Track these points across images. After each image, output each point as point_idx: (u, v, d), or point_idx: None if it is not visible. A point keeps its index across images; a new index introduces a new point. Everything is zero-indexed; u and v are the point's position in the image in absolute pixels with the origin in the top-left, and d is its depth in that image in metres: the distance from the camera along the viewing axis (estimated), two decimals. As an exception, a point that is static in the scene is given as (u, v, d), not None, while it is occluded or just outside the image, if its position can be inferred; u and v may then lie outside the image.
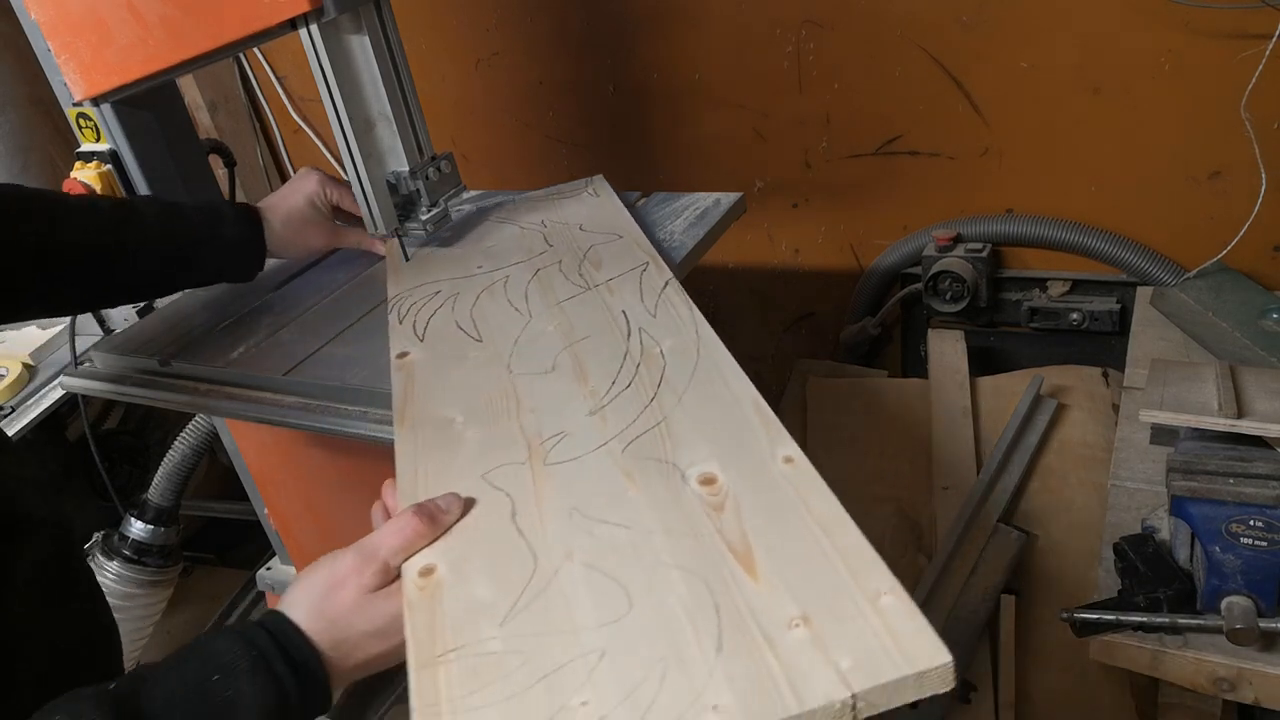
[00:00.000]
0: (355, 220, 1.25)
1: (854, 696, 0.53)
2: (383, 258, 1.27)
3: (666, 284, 1.05)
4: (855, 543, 0.63)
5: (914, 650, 0.54)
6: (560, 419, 0.84)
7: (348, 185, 1.21)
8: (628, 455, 0.78)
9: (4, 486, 0.80)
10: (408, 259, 1.24)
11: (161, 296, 1.25)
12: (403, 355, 1.00)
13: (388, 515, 0.76)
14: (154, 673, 0.63)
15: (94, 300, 1.16)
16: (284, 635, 0.66)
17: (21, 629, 0.75)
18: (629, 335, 0.96)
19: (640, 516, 0.71)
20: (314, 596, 0.68)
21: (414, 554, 0.69)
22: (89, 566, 0.90)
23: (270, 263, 1.37)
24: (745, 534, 0.66)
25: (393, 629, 0.67)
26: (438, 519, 0.70)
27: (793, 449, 0.74)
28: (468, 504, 0.73)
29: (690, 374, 0.87)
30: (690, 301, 1.01)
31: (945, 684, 0.54)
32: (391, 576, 0.69)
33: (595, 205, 1.32)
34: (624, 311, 1.00)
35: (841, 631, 0.57)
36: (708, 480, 0.73)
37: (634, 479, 0.75)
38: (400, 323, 1.07)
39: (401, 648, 0.65)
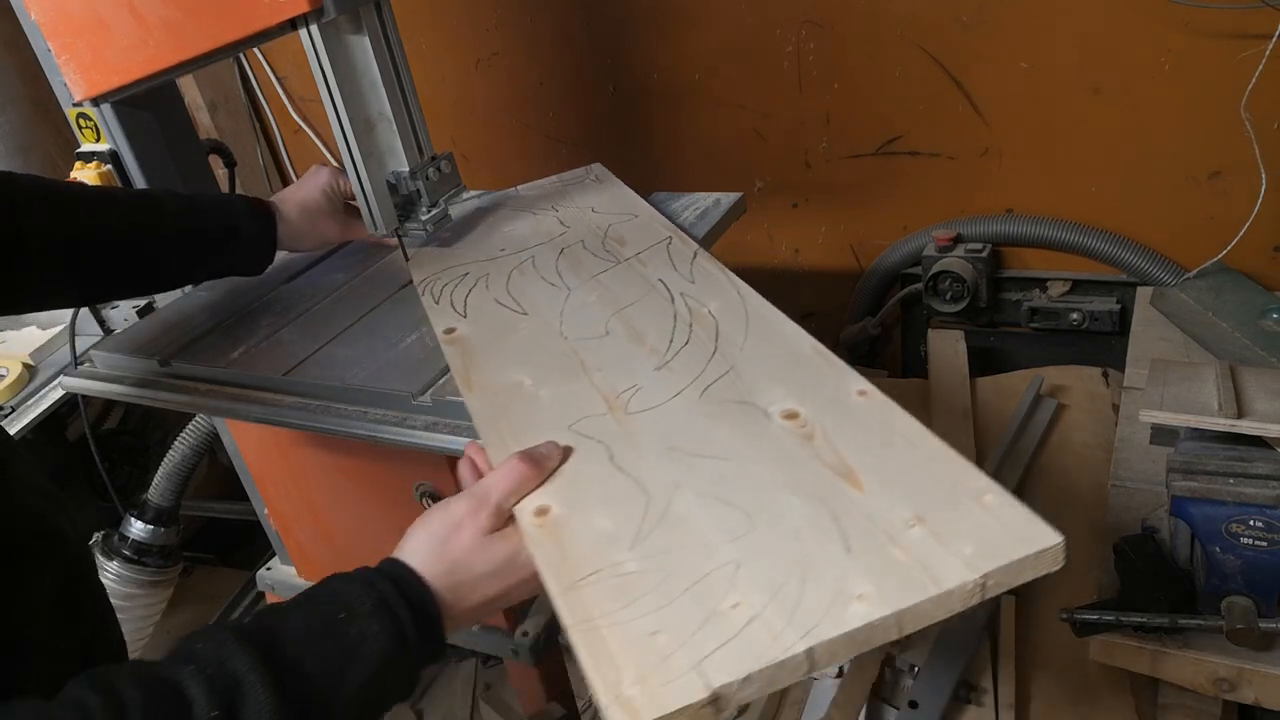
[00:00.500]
0: None
1: (984, 576, 0.57)
2: (393, 249, 1.27)
3: (696, 254, 1.06)
4: (944, 452, 0.68)
5: (1028, 533, 0.59)
6: (629, 375, 0.86)
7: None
8: (706, 400, 0.80)
9: (32, 501, 0.80)
10: (408, 260, 1.24)
11: (173, 289, 1.27)
12: (450, 331, 1.01)
13: (476, 472, 0.78)
14: (282, 611, 0.66)
15: (110, 290, 1.16)
16: (402, 580, 0.68)
17: (37, 641, 0.75)
18: (673, 300, 0.97)
19: (736, 449, 0.73)
20: (434, 541, 0.70)
21: (524, 497, 0.72)
22: (102, 583, 0.90)
23: (271, 262, 1.37)
24: (841, 456, 0.70)
25: (508, 569, 0.70)
26: (542, 464, 0.73)
27: (864, 383, 0.77)
28: (566, 451, 0.75)
29: (744, 328, 0.89)
30: (724, 267, 1.02)
31: (1057, 562, 0.60)
32: (504, 519, 0.71)
33: (601, 190, 1.34)
34: (661, 280, 1.02)
35: (956, 525, 0.61)
36: (791, 415, 0.75)
37: (719, 419, 0.77)
38: (437, 303, 1.08)
39: (516, 588, 0.70)
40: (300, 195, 1.23)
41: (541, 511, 0.71)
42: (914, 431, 0.71)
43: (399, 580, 0.68)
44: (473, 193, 1.53)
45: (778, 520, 0.65)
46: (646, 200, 1.37)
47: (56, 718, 0.56)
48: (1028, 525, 0.60)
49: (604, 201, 1.28)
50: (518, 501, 0.72)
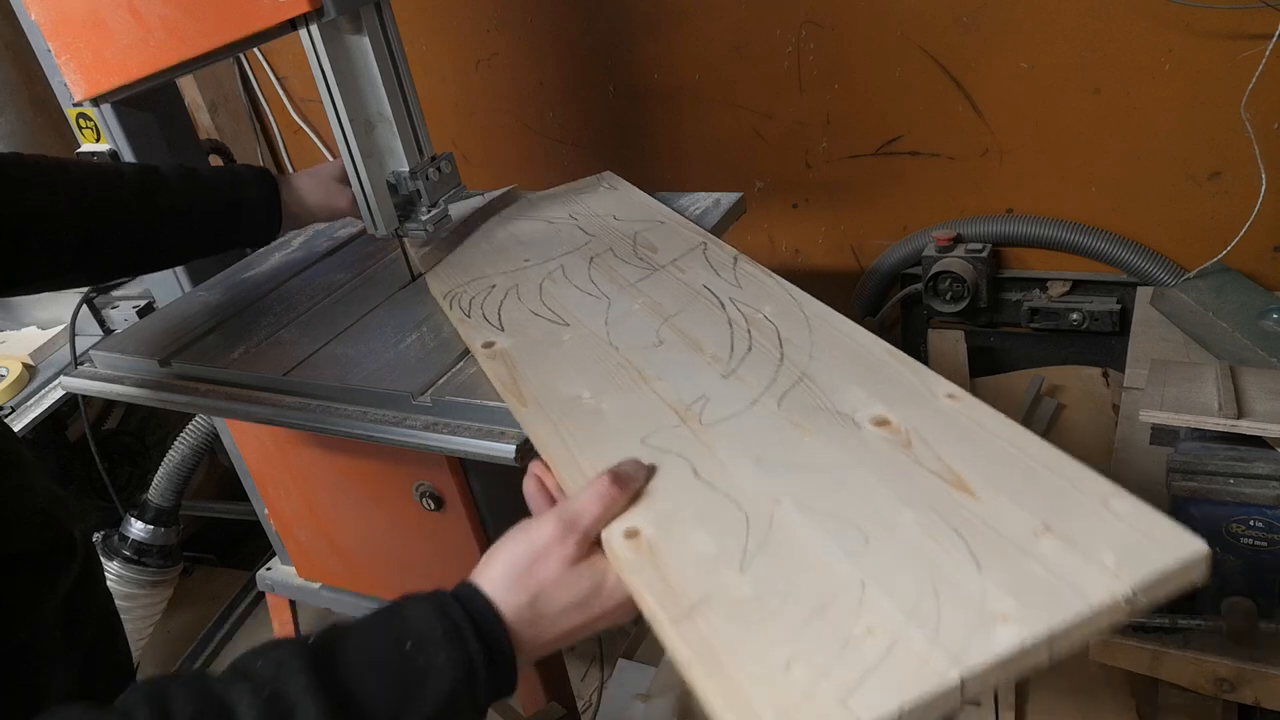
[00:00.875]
0: None
1: (1133, 588, 0.52)
2: (394, 250, 1.27)
3: (736, 258, 1.00)
4: (1054, 455, 0.63)
5: (1170, 541, 0.54)
6: (695, 384, 0.79)
7: None
8: (786, 408, 0.74)
9: (47, 506, 0.80)
10: (410, 264, 1.24)
11: (183, 263, 1.28)
12: (489, 345, 0.94)
13: (545, 493, 0.74)
14: (349, 631, 0.62)
15: (120, 267, 1.17)
16: (477, 610, 0.64)
17: (48, 646, 0.75)
18: (723, 306, 0.90)
19: (832, 459, 0.67)
20: (516, 570, 0.65)
21: (612, 521, 0.68)
22: (107, 590, 0.90)
23: (269, 262, 1.37)
24: (945, 461, 0.64)
25: (594, 599, 0.65)
26: (629, 484, 0.68)
27: (951, 386, 0.72)
28: (650, 468, 0.70)
29: (808, 333, 0.83)
30: (770, 271, 0.95)
31: (1203, 574, 0.54)
32: (591, 545, 0.67)
33: (619, 198, 1.27)
34: (705, 286, 0.95)
35: (1089, 534, 0.56)
36: (881, 422, 0.70)
37: (805, 427, 0.71)
38: (469, 315, 1.01)
39: (600, 619, 0.65)
40: (314, 168, 1.25)
41: (632, 534, 0.65)
42: (1017, 434, 0.65)
43: (474, 610, 0.64)
44: (474, 193, 1.53)
45: (896, 533, 0.59)
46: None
47: None
48: (1169, 532, 0.55)
49: (625, 209, 1.21)
50: (606, 526, 0.67)
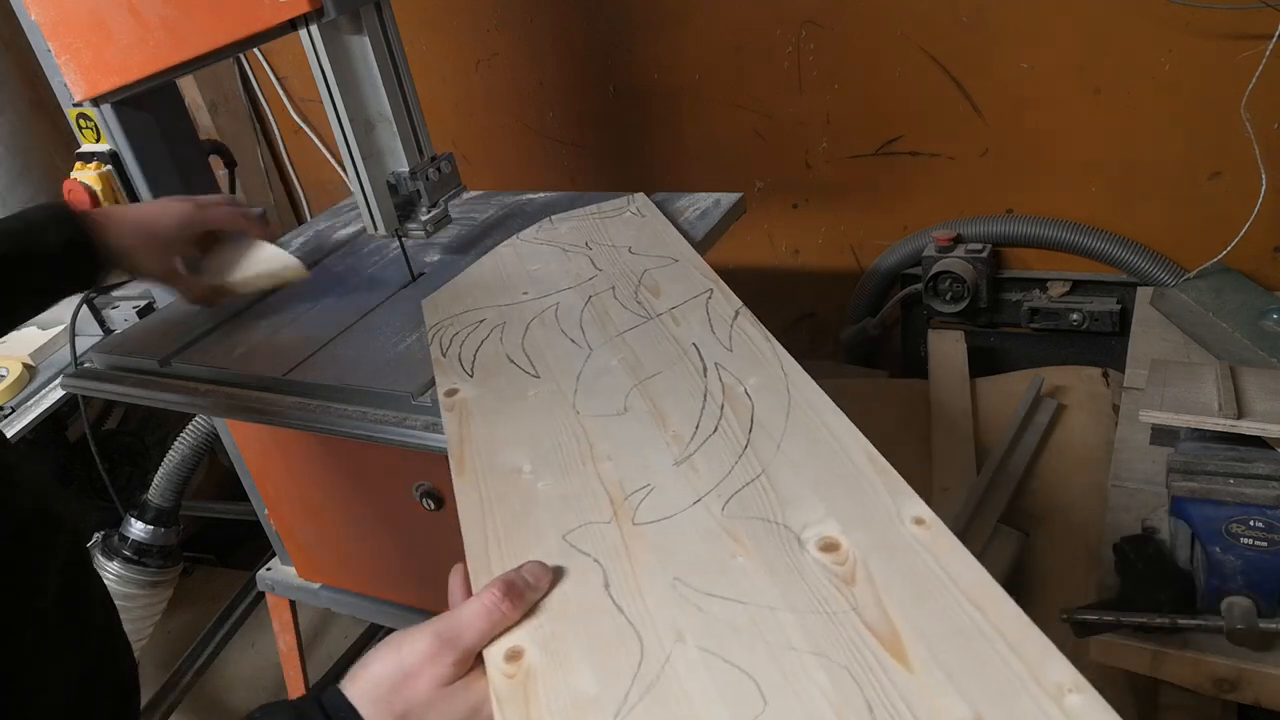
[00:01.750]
0: (230, 239, 1.15)
1: None
2: (393, 250, 1.25)
3: (738, 313, 0.94)
4: (1018, 623, 0.53)
5: None
6: (644, 469, 0.74)
7: (222, 202, 1.13)
8: (729, 514, 0.67)
9: (33, 485, 0.80)
10: (410, 264, 1.24)
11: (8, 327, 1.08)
12: (452, 393, 0.90)
13: (466, 590, 0.68)
14: None
15: None
16: None
17: (50, 641, 0.75)
18: (704, 371, 0.85)
19: (757, 589, 0.60)
20: (382, 688, 0.60)
21: (499, 637, 0.61)
22: (101, 582, 0.90)
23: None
24: (886, 612, 0.56)
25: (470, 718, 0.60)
26: (525, 595, 0.62)
27: (922, 508, 0.63)
28: (555, 574, 0.64)
29: (785, 416, 0.77)
30: (767, 333, 0.90)
31: None
32: (471, 664, 0.61)
33: (641, 226, 1.21)
34: (695, 344, 0.90)
35: None
36: (830, 546, 0.62)
37: (742, 542, 0.64)
38: (444, 355, 0.98)
39: None
40: (146, 212, 1.09)
41: (514, 656, 0.59)
42: (981, 588, 0.56)
43: None
44: (473, 194, 1.53)
45: (799, 700, 0.52)
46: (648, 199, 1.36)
47: None
48: None
49: (643, 241, 1.16)
50: (490, 641, 0.61)
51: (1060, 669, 0.50)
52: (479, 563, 0.68)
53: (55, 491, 0.82)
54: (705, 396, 0.82)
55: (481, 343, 0.99)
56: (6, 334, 1.04)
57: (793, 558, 0.62)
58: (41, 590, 0.74)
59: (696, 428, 0.78)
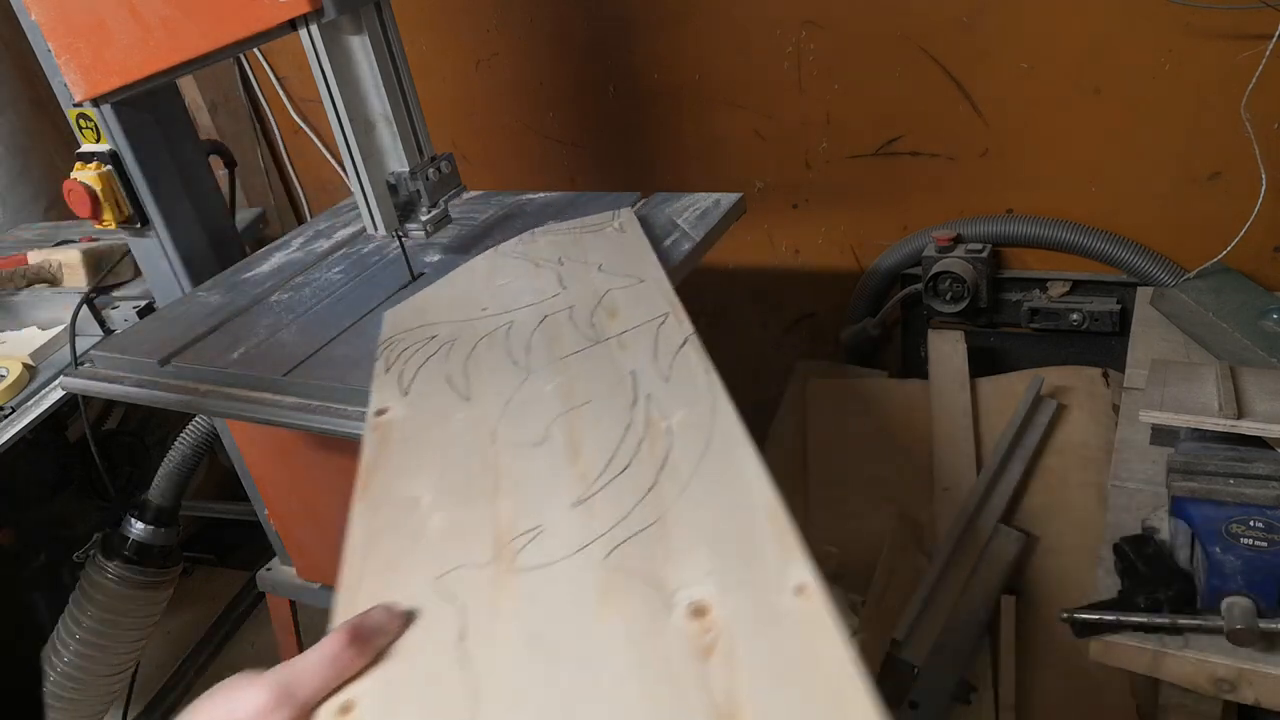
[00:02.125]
0: None
1: None
2: (393, 250, 1.23)
3: (685, 340, 0.93)
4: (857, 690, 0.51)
5: None
6: (540, 508, 0.73)
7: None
8: (609, 565, 0.66)
9: None
10: (409, 264, 1.24)
11: None
12: (381, 412, 0.89)
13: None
14: None
15: None
16: None
17: None
18: (634, 403, 0.84)
19: (611, 653, 0.59)
20: None
21: (343, 687, 0.56)
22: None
23: (270, 263, 1.37)
24: (734, 691, 0.54)
25: None
26: (372, 641, 0.57)
27: (806, 574, 0.61)
28: (407, 619, 0.60)
29: (699, 458, 0.75)
30: (710, 365, 0.88)
31: None
32: (308, 717, 0.55)
33: (619, 243, 1.21)
34: (633, 372, 0.89)
35: None
36: (699, 611, 0.60)
37: (609, 601, 0.63)
38: (387, 371, 0.96)
39: None
40: None
41: (345, 709, 0.56)
42: (840, 675, 0.53)
43: None
44: (472, 194, 1.53)
45: None
46: (646, 201, 1.37)
47: None
48: None
49: (615, 259, 1.16)
50: (333, 694, 0.56)
51: None
52: (346, 597, 0.66)
53: None
54: (627, 430, 0.80)
55: (427, 360, 0.97)
56: None
57: (658, 623, 0.60)
58: None
59: (608, 465, 0.76)
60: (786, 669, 0.54)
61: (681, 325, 0.96)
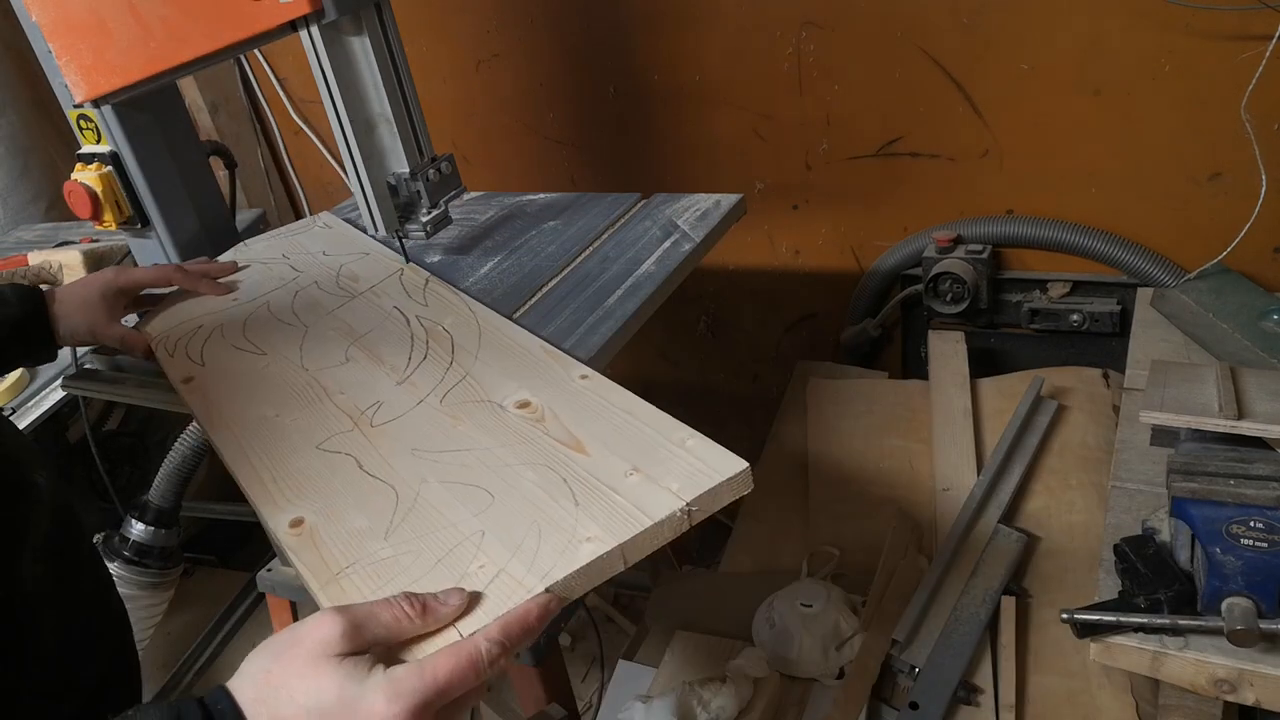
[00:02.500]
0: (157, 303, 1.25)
1: (687, 505, 0.69)
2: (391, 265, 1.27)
3: (428, 280, 1.14)
4: (655, 414, 0.80)
5: (721, 466, 0.72)
6: (372, 393, 0.92)
7: (147, 270, 1.24)
8: (446, 404, 0.88)
9: (10, 450, 0.80)
10: (408, 259, 1.24)
11: None
12: (188, 380, 1.02)
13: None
14: None
15: None
16: (214, 711, 0.56)
17: (34, 598, 0.75)
18: (408, 323, 1.04)
19: (476, 441, 0.82)
20: (265, 659, 0.58)
21: (397, 642, 0.61)
22: (98, 553, 0.90)
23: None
24: (569, 430, 0.81)
25: (339, 711, 0.55)
26: (437, 612, 0.62)
27: (585, 369, 0.89)
28: (471, 599, 0.66)
29: (478, 339, 0.98)
30: (455, 289, 1.11)
31: (747, 486, 0.72)
32: (362, 651, 0.58)
33: (331, 235, 1.37)
34: (396, 307, 1.09)
35: (665, 469, 0.73)
36: (524, 404, 0.86)
37: (459, 418, 0.86)
38: (172, 355, 1.09)
39: None
40: (79, 289, 1.17)
41: (296, 523, 0.76)
42: (630, 402, 0.82)
43: (210, 710, 0.56)
44: (474, 194, 1.54)
45: (517, 490, 0.75)
46: (647, 202, 1.37)
47: None
48: (722, 459, 0.73)
49: (334, 245, 1.33)
50: (387, 642, 0.60)
51: (682, 431, 0.77)
52: (256, 491, 0.82)
53: (38, 462, 0.83)
54: (412, 339, 1.01)
55: (206, 340, 1.11)
56: None
57: (499, 418, 0.85)
58: (17, 556, 0.74)
59: (409, 359, 0.97)
60: (594, 411, 0.83)
61: (419, 273, 1.17)
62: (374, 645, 0.59)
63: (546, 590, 0.64)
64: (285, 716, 0.55)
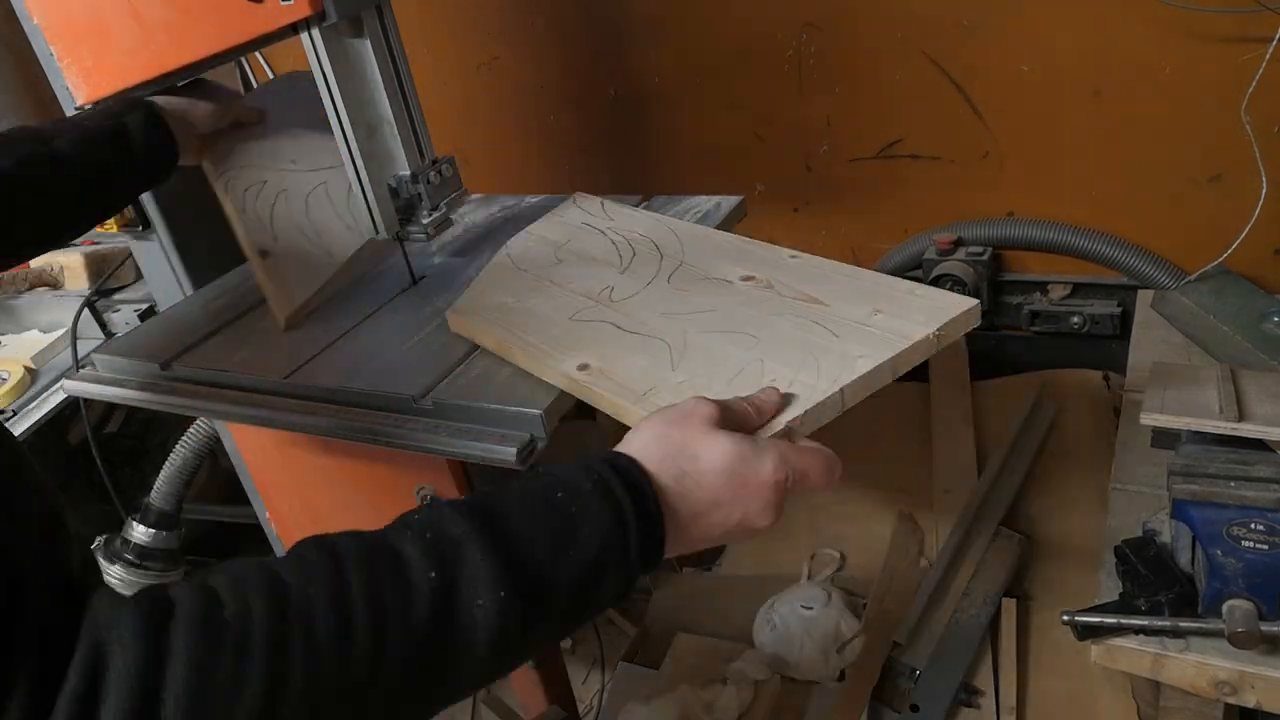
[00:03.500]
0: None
1: (936, 330, 0.78)
2: (394, 254, 1.27)
3: (603, 203, 1.24)
4: (876, 276, 0.90)
5: (956, 303, 0.80)
6: (600, 280, 1.01)
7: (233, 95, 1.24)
8: (675, 283, 0.97)
9: (46, 491, 0.79)
10: (410, 267, 1.24)
11: (90, 223, 1.12)
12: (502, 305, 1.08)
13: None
14: (499, 490, 0.63)
15: (20, 237, 1.03)
16: (621, 466, 0.64)
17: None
18: (604, 233, 1.14)
19: (719, 304, 0.91)
20: (656, 426, 0.67)
21: (762, 425, 0.71)
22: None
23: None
24: (800, 289, 0.90)
25: (741, 468, 0.64)
26: (763, 407, 0.72)
27: (794, 251, 0.98)
28: (786, 398, 0.76)
29: (677, 240, 1.07)
30: (635, 206, 1.23)
31: (977, 319, 0.81)
32: (734, 426, 0.68)
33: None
34: (585, 223, 1.18)
35: (904, 309, 0.82)
36: (748, 278, 0.95)
37: (693, 291, 0.95)
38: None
39: (747, 499, 0.65)
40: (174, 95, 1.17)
41: (582, 367, 0.86)
42: (847, 269, 0.92)
43: (620, 468, 0.63)
44: (475, 197, 1.54)
45: (775, 332, 0.84)
46: (647, 204, 1.37)
47: (275, 566, 0.57)
48: (952, 300, 0.81)
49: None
50: (758, 423, 0.71)
51: (906, 284, 0.87)
52: (526, 355, 0.92)
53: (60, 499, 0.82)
54: (614, 244, 1.10)
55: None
56: (78, 236, 1.19)
57: (730, 288, 0.94)
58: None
59: (620, 257, 1.07)
60: (819, 277, 0.92)
61: (590, 198, 1.28)
62: (736, 420, 0.69)
63: (839, 389, 0.74)
64: (689, 470, 0.64)
